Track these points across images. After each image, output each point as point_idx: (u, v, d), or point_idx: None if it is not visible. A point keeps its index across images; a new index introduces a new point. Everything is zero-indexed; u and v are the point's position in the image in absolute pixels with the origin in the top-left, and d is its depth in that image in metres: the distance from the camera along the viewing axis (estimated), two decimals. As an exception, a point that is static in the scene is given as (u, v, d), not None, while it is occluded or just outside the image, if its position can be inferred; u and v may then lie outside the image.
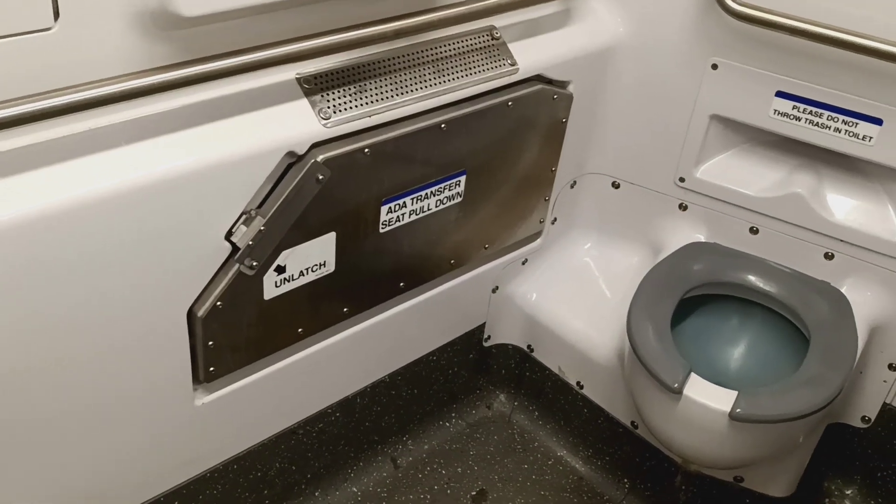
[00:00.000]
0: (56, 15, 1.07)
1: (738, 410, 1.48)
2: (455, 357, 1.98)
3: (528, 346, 2.04)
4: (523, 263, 1.95)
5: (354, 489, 1.89)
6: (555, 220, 1.94)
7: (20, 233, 1.08)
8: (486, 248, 1.80)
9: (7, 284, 1.10)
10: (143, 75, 1.13)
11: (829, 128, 1.62)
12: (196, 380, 1.41)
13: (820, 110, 1.62)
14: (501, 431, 2.07)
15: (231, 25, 1.23)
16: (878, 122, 1.57)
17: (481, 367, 2.09)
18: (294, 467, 1.75)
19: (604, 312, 1.91)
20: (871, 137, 1.59)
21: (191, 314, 1.33)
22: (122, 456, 1.40)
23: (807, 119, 1.64)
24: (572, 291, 1.99)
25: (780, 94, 1.64)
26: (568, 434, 2.04)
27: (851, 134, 1.61)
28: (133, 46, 1.16)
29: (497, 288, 1.94)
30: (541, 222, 1.90)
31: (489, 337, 2.03)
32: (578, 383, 1.98)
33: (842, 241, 1.71)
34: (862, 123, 1.59)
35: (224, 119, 1.26)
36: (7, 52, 1.05)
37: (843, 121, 1.60)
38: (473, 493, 1.93)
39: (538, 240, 1.94)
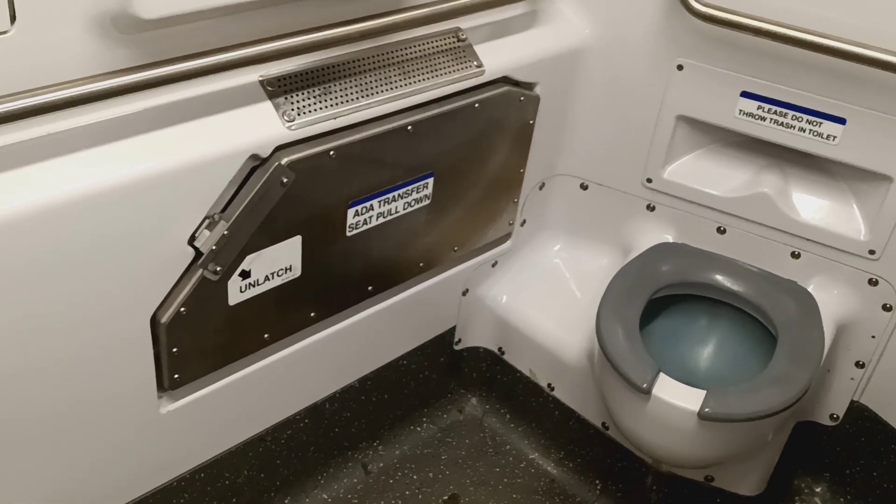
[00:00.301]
0: (13, 18, 1.06)
1: (706, 410, 1.49)
2: (425, 361, 1.97)
3: (499, 349, 2.04)
4: (493, 266, 1.95)
5: (325, 496, 1.87)
6: (524, 221, 1.94)
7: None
8: (455, 251, 1.79)
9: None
10: (103, 78, 1.11)
11: (794, 127, 1.63)
12: (161, 387, 1.39)
13: (784, 110, 1.63)
14: (473, 435, 2.06)
15: (193, 28, 1.22)
16: (842, 121, 1.59)
17: (452, 371, 2.08)
18: (263, 475, 1.73)
19: (574, 314, 1.91)
20: (835, 137, 1.61)
21: (154, 321, 1.31)
22: (86, 465, 1.37)
23: (772, 119, 1.65)
24: (542, 293, 1.99)
25: (745, 94, 1.65)
26: (540, 436, 2.04)
27: (816, 133, 1.62)
28: (93, 49, 1.14)
29: (467, 290, 1.93)
30: (510, 224, 1.90)
31: (460, 340, 2.03)
32: (549, 385, 1.97)
33: (808, 240, 1.72)
34: (826, 123, 1.60)
35: (186, 122, 1.24)
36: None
37: (808, 120, 1.62)
38: (445, 497, 1.92)
39: (508, 242, 1.94)
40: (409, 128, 1.50)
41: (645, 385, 1.52)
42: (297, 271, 1.47)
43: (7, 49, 1.07)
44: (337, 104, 1.39)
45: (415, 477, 1.95)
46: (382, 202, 1.55)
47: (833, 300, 1.73)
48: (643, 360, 1.56)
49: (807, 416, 1.90)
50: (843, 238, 1.69)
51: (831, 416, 1.88)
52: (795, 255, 1.75)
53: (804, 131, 1.63)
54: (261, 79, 1.31)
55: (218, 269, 1.33)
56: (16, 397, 1.21)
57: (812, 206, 1.73)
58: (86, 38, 1.13)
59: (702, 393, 1.51)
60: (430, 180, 1.62)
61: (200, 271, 1.31)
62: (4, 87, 1.05)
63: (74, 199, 1.12)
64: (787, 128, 1.64)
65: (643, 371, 1.54)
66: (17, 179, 1.09)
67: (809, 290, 1.75)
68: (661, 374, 1.54)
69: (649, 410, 1.54)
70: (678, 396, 1.51)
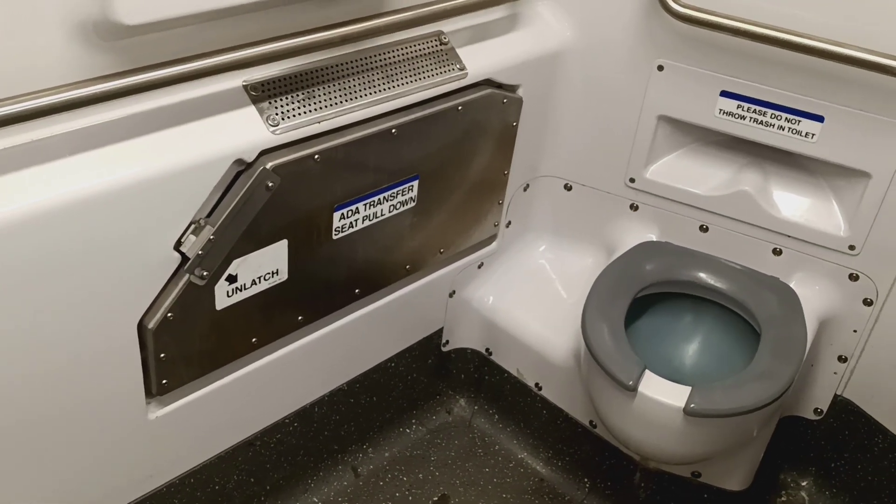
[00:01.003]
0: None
1: (692, 406, 1.50)
2: (413, 363, 1.98)
3: (487, 350, 2.05)
4: (479, 267, 1.96)
5: (315, 499, 1.87)
6: (509, 223, 1.95)
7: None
8: (441, 253, 1.80)
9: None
10: (86, 85, 1.11)
11: (773, 126, 1.65)
12: (149, 393, 1.39)
13: (764, 109, 1.65)
14: (462, 436, 2.07)
15: (176, 33, 1.22)
16: (820, 119, 1.61)
17: (440, 372, 2.09)
18: (253, 479, 1.74)
19: (560, 314, 1.93)
20: (813, 134, 1.63)
21: (141, 326, 1.31)
22: (74, 473, 1.37)
23: (751, 118, 1.67)
24: (528, 294, 2.00)
25: (724, 93, 1.67)
26: (528, 436, 2.05)
27: (794, 131, 1.64)
28: (75, 56, 1.14)
29: (454, 292, 1.94)
30: (495, 226, 1.91)
31: (447, 341, 2.04)
32: (537, 385, 1.99)
33: (789, 236, 1.74)
34: (804, 121, 1.62)
35: (170, 128, 1.24)
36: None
37: (787, 118, 1.63)
38: (435, 498, 1.93)
39: (493, 243, 1.95)
40: (394, 131, 1.51)
41: (631, 383, 1.53)
42: (283, 275, 1.48)
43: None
44: (321, 108, 1.40)
45: (404, 479, 1.95)
46: (368, 205, 1.55)
47: (815, 296, 1.75)
48: (629, 358, 1.57)
49: (791, 410, 1.92)
50: (823, 234, 1.71)
51: (815, 411, 1.90)
52: (777, 252, 1.77)
53: (783, 129, 1.65)
54: (245, 84, 1.32)
55: (204, 273, 1.33)
56: (2, 407, 1.21)
57: (792, 203, 1.75)
58: (68, 45, 1.13)
59: (687, 389, 1.52)
60: (415, 183, 1.62)
61: (187, 276, 1.32)
62: (-12, 96, 1.06)
63: (59, 206, 1.12)
64: (767, 126, 1.66)
65: (629, 369, 1.55)
66: (1, 187, 1.09)
67: (791, 286, 1.77)
68: (647, 372, 1.55)
69: (636, 408, 1.55)
70: (664, 393, 1.53)
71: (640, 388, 1.53)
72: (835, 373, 1.84)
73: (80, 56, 1.14)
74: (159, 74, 1.16)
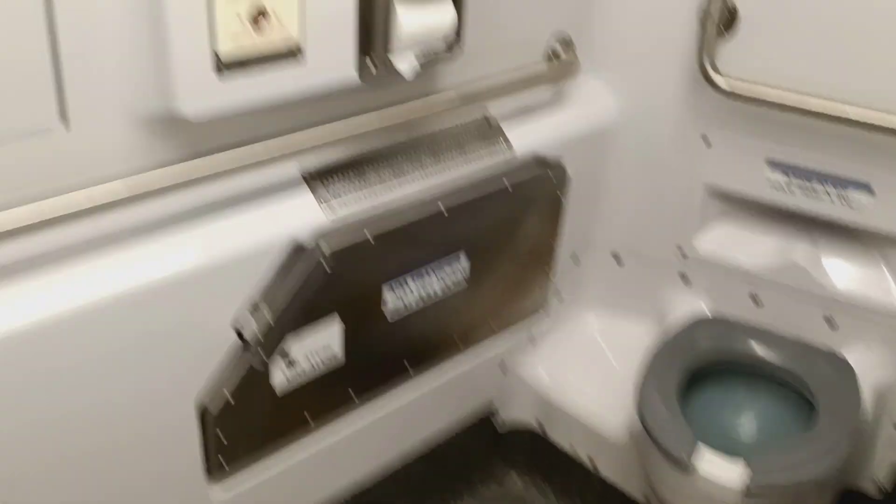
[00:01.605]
0: (63, 116, 1.08)
1: (749, 483, 1.47)
2: (466, 437, 1.97)
3: (540, 424, 2.04)
4: (530, 340, 1.96)
5: (370, 577, 1.86)
6: (559, 295, 1.96)
7: (29, 339, 1.09)
8: (491, 327, 1.81)
9: (16, 388, 1.11)
10: (147, 174, 1.15)
11: (822, 196, 1.65)
12: (209, 476, 1.41)
13: (811, 179, 1.65)
14: (516, 511, 2.05)
15: (232, 121, 1.25)
16: (869, 188, 1.60)
17: (493, 447, 2.07)
18: (310, 558, 1.73)
19: (613, 387, 1.91)
20: (863, 204, 1.62)
21: (202, 410, 1.34)
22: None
23: (799, 188, 1.67)
24: (581, 366, 1.99)
25: (772, 164, 1.68)
26: (582, 512, 2.02)
27: (844, 201, 1.63)
28: (137, 146, 1.17)
29: (505, 366, 1.94)
30: (545, 299, 1.92)
31: (499, 415, 2.03)
32: (591, 460, 1.96)
33: (842, 306, 1.72)
34: (853, 191, 1.62)
35: (229, 214, 1.28)
36: (11, 153, 1.05)
37: (835, 188, 1.63)
38: (490, 576, 1.90)
39: (544, 316, 1.95)
40: (444, 210, 1.54)
41: (686, 460, 1.51)
42: (339, 355, 1.49)
43: (55, 147, 1.09)
44: (374, 191, 1.43)
45: (459, 556, 1.94)
46: (419, 284, 1.58)
47: (870, 366, 1.72)
48: (684, 434, 1.55)
49: (851, 483, 1.87)
50: (876, 303, 1.69)
51: (875, 483, 1.85)
52: (830, 322, 1.75)
53: (832, 200, 1.64)
54: (301, 169, 1.36)
55: (263, 357, 1.36)
56: (69, 490, 1.23)
57: (844, 272, 1.73)
58: (131, 135, 1.15)
59: (742, 466, 1.50)
60: (466, 260, 1.65)
61: (246, 360, 1.34)
62: (53, 185, 1.08)
63: (121, 296, 1.15)
64: (815, 196, 1.66)
65: (684, 446, 1.53)
66: (65, 278, 1.12)
67: (846, 356, 1.74)
68: (703, 448, 1.53)
69: (691, 485, 1.52)
70: (720, 471, 1.50)
71: (696, 465, 1.51)
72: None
73: (142, 146, 1.17)
74: (218, 163, 1.20)
